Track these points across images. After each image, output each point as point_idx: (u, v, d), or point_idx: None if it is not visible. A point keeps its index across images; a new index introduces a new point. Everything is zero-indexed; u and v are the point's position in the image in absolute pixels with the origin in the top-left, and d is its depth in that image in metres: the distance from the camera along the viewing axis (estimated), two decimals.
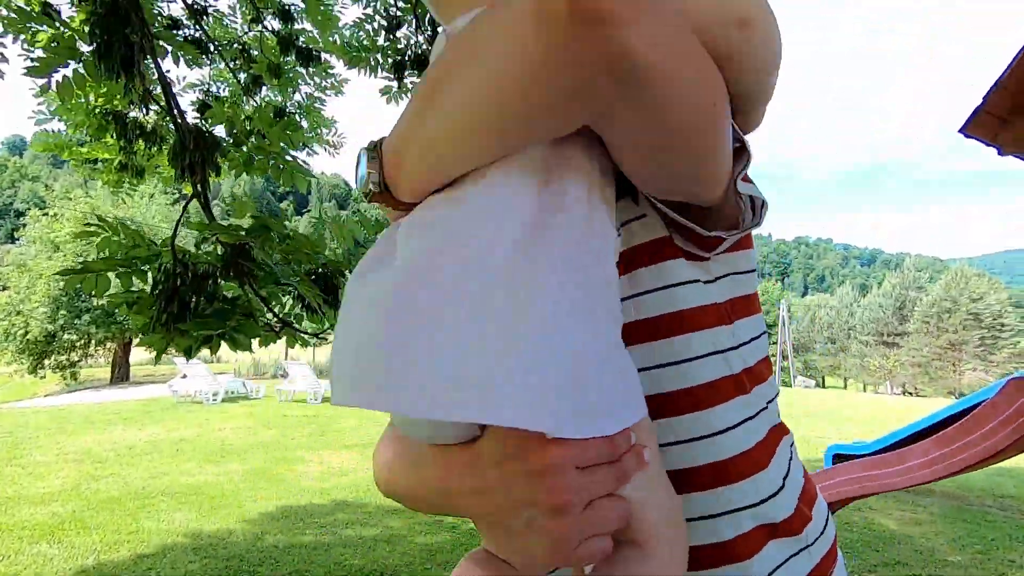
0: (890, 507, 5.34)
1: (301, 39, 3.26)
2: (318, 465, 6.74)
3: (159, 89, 1.98)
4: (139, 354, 26.29)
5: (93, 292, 1.66)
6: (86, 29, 1.57)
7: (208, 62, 3.70)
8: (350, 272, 1.95)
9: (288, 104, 4.29)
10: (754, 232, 0.64)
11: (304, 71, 3.65)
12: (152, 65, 1.64)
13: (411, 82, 3.15)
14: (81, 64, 1.85)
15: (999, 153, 2.82)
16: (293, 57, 3.21)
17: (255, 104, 4.19)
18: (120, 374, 21.09)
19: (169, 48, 2.39)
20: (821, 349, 61.37)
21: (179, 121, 1.59)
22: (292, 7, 3.10)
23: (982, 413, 2.37)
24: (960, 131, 2.73)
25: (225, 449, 7.58)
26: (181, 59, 3.64)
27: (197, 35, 3.60)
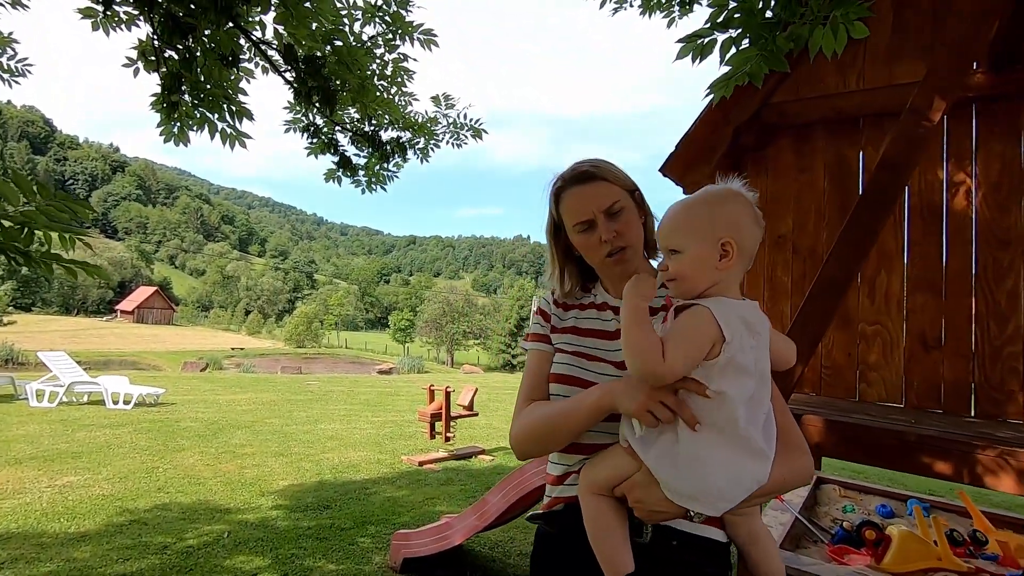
0: None
1: None
2: None
3: None
4: None
5: None
6: None
7: None
8: None
9: None
10: None
11: None
12: None
13: (124, 12, 2.49)
14: None
15: (683, 192, 3.49)
16: None
17: None
18: None
19: None
20: None
21: None
22: None
23: (509, 478, 3.20)
24: (659, 170, 3.32)
25: None
26: None
27: None
